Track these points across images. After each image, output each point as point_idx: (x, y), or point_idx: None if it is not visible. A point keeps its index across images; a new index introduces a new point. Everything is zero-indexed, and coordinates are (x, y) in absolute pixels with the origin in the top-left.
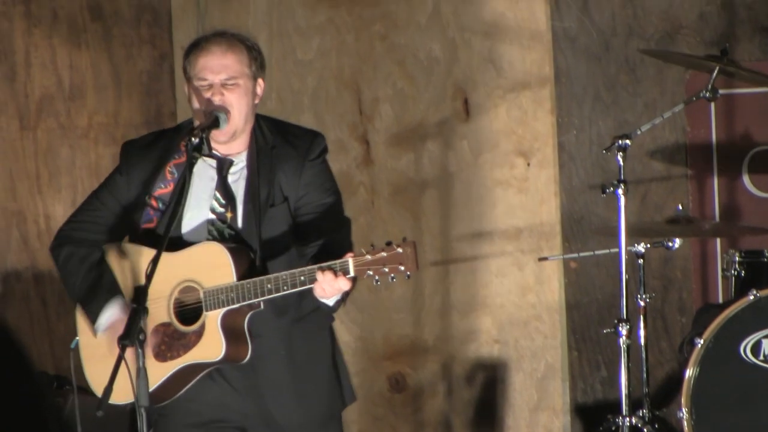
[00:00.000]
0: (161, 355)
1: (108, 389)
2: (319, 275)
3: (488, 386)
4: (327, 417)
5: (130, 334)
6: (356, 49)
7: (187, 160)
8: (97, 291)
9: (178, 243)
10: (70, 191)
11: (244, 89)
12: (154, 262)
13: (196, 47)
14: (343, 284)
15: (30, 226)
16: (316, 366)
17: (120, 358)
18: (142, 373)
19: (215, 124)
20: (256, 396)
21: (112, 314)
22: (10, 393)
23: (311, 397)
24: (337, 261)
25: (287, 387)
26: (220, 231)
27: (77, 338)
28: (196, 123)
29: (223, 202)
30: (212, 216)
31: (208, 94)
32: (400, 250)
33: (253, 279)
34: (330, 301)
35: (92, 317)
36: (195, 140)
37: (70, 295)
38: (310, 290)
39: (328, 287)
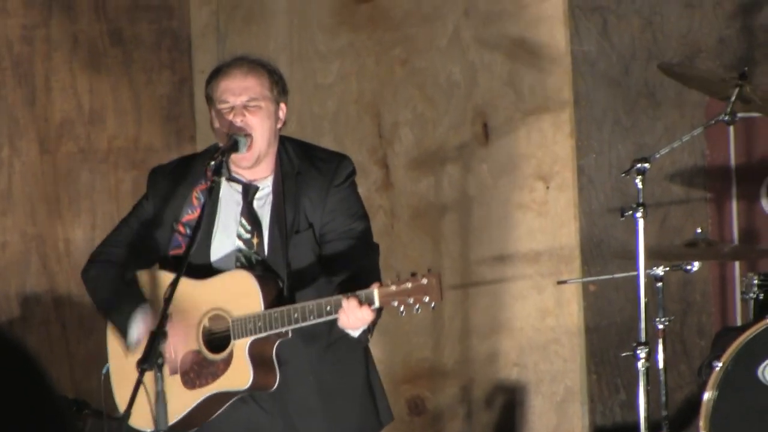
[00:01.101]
0: (190, 383)
1: (126, 413)
2: (344, 302)
3: (508, 409)
4: None
5: (149, 358)
6: (376, 72)
7: (208, 185)
8: (123, 304)
9: (208, 270)
10: (90, 215)
11: (266, 112)
12: (173, 285)
13: (218, 72)
14: (367, 314)
15: (49, 250)
16: (347, 387)
17: (139, 382)
18: (160, 397)
19: (234, 147)
20: (285, 418)
21: (140, 326)
22: (34, 418)
23: (342, 419)
24: (363, 291)
25: (316, 409)
26: (247, 257)
27: (108, 364)
28: (220, 146)
29: (249, 228)
30: (239, 242)
31: (229, 117)
32: (425, 281)
33: (280, 308)
34: (355, 333)
35: (122, 330)
36: (213, 163)
37: (102, 315)
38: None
39: (353, 317)
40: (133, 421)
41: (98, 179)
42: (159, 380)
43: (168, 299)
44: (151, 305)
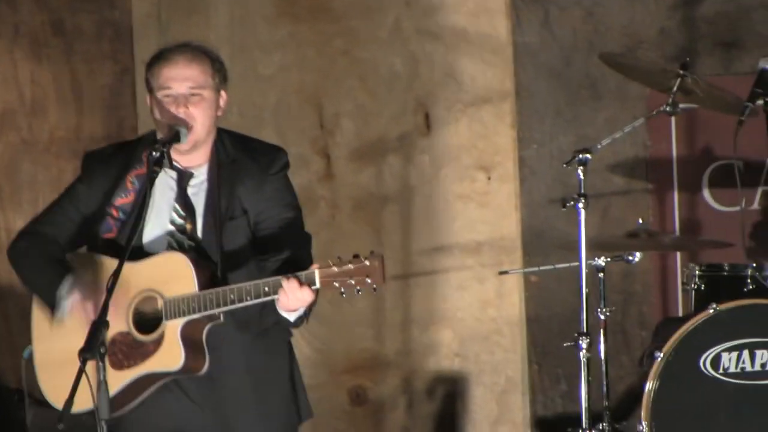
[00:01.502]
0: (118, 364)
1: (69, 402)
2: (285, 283)
3: (449, 400)
4: (286, 430)
5: (92, 347)
6: (317, 64)
7: (148, 174)
8: (52, 275)
9: (139, 253)
10: (32, 206)
11: (208, 102)
12: (115, 275)
13: (159, 58)
14: (307, 295)
15: None
16: (275, 381)
17: (81, 371)
18: (103, 386)
19: (176, 138)
20: (216, 409)
21: (71, 299)
22: None
23: (271, 412)
24: (303, 272)
25: (247, 401)
26: (179, 242)
27: (30, 346)
28: (159, 134)
29: (183, 213)
30: (171, 227)
31: (172, 107)
32: (367, 262)
33: (216, 289)
34: (292, 316)
35: (49, 301)
36: (156, 154)
37: (27, 286)
38: (272, 304)
39: (293, 297)
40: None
41: (40, 170)
42: (101, 369)
43: (110, 288)
44: (81, 287)
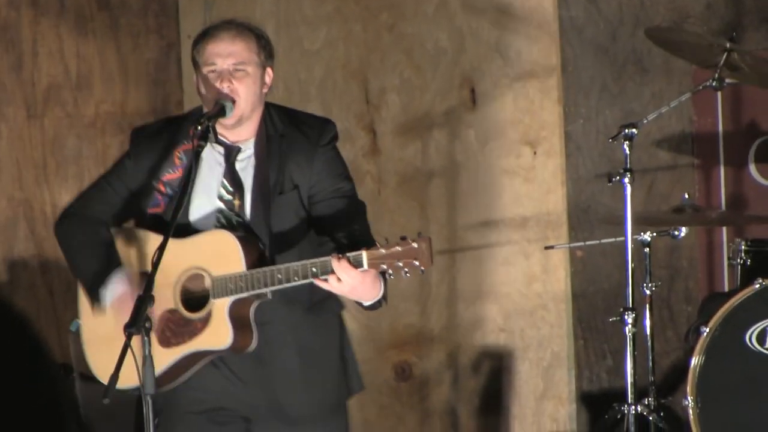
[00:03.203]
0: (166, 342)
1: (114, 377)
2: (335, 264)
3: (494, 375)
4: (334, 406)
5: (137, 322)
6: (363, 39)
7: (193, 149)
8: (100, 265)
9: (187, 230)
10: (77, 180)
11: (252, 77)
12: (161, 249)
13: (205, 35)
14: (355, 278)
15: (37, 215)
16: (324, 355)
17: (126, 346)
18: (148, 361)
19: (221, 113)
20: (264, 386)
21: (116, 288)
22: (29, 383)
23: (319, 386)
24: (351, 254)
25: (296, 376)
26: (228, 219)
27: (78, 320)
28: (206, 110)
29: (231, 189)
30: (220, 204)
31: (216, 82)
32: (415, 245)
33: (264, 268)
34: (367, 302)
35: (94, 292)
36: (201, 128)
37: (72, 270)
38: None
39: (344, 277)
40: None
41: (85, 144)
42: (146, 344)
43: (156, 263)
44: (127, 264)
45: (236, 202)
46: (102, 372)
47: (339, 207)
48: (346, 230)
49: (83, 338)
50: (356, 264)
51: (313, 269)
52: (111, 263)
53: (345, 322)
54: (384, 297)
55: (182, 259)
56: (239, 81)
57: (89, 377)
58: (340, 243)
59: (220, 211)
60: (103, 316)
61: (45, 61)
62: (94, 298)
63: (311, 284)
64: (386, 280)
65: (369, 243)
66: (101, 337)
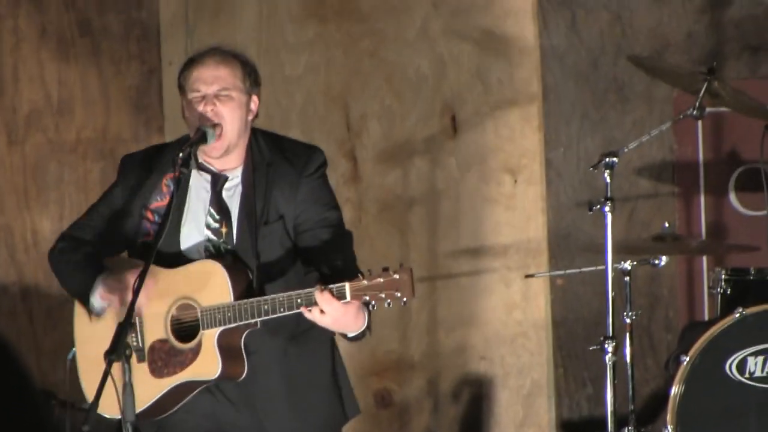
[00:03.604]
0: (158, 371)
1: (94, 404)
2: (318, 296)
3: (474, 403)
4: (326, 430)
5: (117, 349)
6: (345, 65)
7: (175, 177)
8: (91, 277)
9: (178, 259)
10: (58, 206)
11: (237, 102)
12: (141, 276)
13: (191, 61)
14: (337, 310)
15: (17, 241)
16: (313, 379)
17: (106, 373)
18: (128, 388)
19: (203, 139)
20: (252, 410)
21: (105, 286)
22: (10, 410)
23: (308, 411)
24: (334, 285)
25: (282, 401)
26: (216, 247)
27: (74, 349)
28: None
29: (218, 217)
30: (208, 232)
31: (200, 106)
32: (396, 276)
33: (251, 300)
34: (350, 334)
35: (87, 302)
36: (182, 155)
37: (69, 293)
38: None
39: (328, 309)
40: (102, 409)
41: (66, 170)
42: (126, 371)
43: (137, 289)
44: (118, 291)
45: (223, 230)
46: (102, 403)
47: (324, 237)
48: (330, 261)
49: (78, 367)
50: (339, 296)
51: (299, 300)
52: (98, 273)
53: (336, 346)
54: (368, 327)
55: (172, 289)
56: (223, 104)
57: (69, 403)
58: (324, 274)
59: (208, 239)
60: (95, 342)
61: (26, 87)
62: (88, 307)
63: (298, 313)
64: (370, 310)
65: (353, 274)
66: (95, 366)
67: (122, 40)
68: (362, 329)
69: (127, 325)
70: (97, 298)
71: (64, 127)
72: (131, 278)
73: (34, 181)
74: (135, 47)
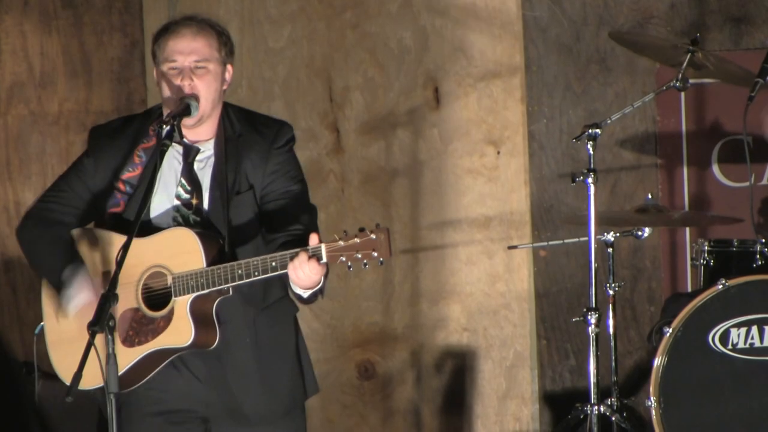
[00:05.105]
0: (129, 341)
1: (77, 375)
2: (296, 258)
3: (457, 374)
4: (291, 406)
5: (100, 321)
6: (327, 37)
7: (158, 148)
8: (62, 266)
9: (146, 228)
10: (41, 178)
11: (213, 74)
12: (125, 248)
13: (165, 31)
14: (315, 269)
15: (0, 213)
16: (280, 355)
17: (90, 345)
18: (111, 359)
19: (186, 111)
20: (221, 385)
21: (80, 291)
22: None
23: (276, 387)
24: (310, 246)
25: (253, 376)
26: (185, 217)
27: (42, 323)
28: (164, 108)
29: (189, 188)
30: (177, 202)
31: (177, 80)
32: (373, 236)
33: (224, 264)
34: (305, 293)
35: (58, 291)
36: (166, 128)
37: (36, 272)
38: (278, 280)
39: (301, 272)
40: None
41: (49, 142)
42: (110, 343)
43: (120, 262)
44: (90, 265)
45: (194, 201)
46: (65, 372)
47: (288, 208)
48: (293, 230)
49: (47, 340)
50: (316, 257)
51: (273, 263)
52: (72, 263)
53: (299, 324)
54: (321, 290)
55: (143, 258)
56: (200, 78)
57: (52, 376)
58: (286, 242)
59: (177, 209)
60: (66, 317)
61: (8, 59)
62: (61, 302)
63: (265, 285)
64: (327, 275)
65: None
66: (64, 338)
67: (105, 12)
68: (315, 290)
69: (111, 296)
70: (72, 306)
71: (47, 99)
72: (108, 259)
73: (17, 153)
74: (117, 19)
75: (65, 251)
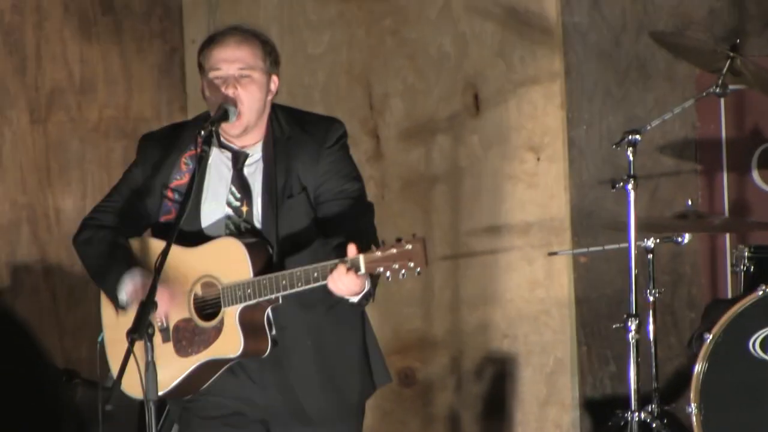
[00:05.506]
0: (182, 351)
1: (117, 383)
2: (334, 271)
3: (497, 381)
4: (354, 405)
5: (139, 328)
6: (367, 43)
7: (197, 154)
8: (118, 269)
9: (199, 237)
10: (80, 185)
11: (257, 84)
12: (163, 254)
13: (211, 41)
14: (353, 281)
15: (40, 219)
16: (344, 353)
17: (129, 352)
18: (150, 366)
19: (225, 116)
20: (282, 388)
21: (133, 283)
22: (25, 387)
23: (339, 386)
24: (348, 258)
25: (314, 378)
26: (236, 225)
27: (103, 333)
28: (211, 115)
29: (239, 195)
30: (229, 210)
31: (222, 87)
32: (409, 246)
33: (269, 275)
34: (354, 298)
35: (111, 293)
36: (204, 133)
37: (94, 281)
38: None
39: (340, 283)
40: (126, 388)
41: (89, 148)
42: (149, 350)
43: (159, 268)
44: (143, 272)
45: (244, 209)
46: (127, 383)
47: (343, 208)
48: (349, 231)
49: (107, 351)
50: (354, 268)
51: (315, 275)
52: (127, 265)
53: (367, 317)
54: (369, 294)
55: (194, 268)
56: (244, 87)
57: (92, 383)
58: (341, 243)
59: (228, 217)
60: (122, 325)
61: (49, 65)
62: (115, 302)
63: (325, 289)
64: (377, 282)
65: (369, 242)
66: (122, 347)
67: (144, 18)
68: (362, 295)
69: (149, 304)
70: (124, 295)
71: (87, 106)
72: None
73: (57, 160)
74: (157, 26)
75: (119, 255)
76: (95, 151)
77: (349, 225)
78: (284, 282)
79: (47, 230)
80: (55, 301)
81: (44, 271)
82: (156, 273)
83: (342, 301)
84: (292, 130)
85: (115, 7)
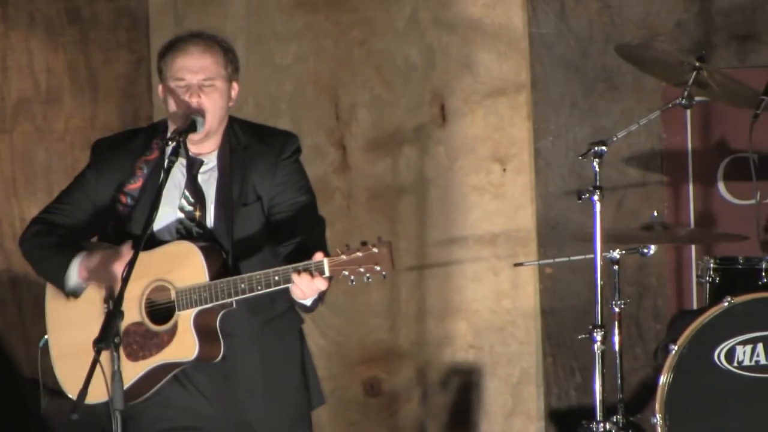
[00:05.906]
0: (133, 355)
1: (83, 392)
2: (295, 277)
3: (463, 391)
4: (298, 418)
5: (106, 337)
6: (334, 54)
7: (165, 164)
8: (63, 252)
9: (148, 241)
10: (46, 195)
11: (220, 92)
12: (130, 265)
13: (172, 48)
14: (320, 284)
15: (5, 230)
16: (286, 368)
17: (95, 362)
18: (117, 376)
19: (192, 128)
20: (227, 400)
21: (86, 263)
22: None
23: (282, 399)
24: (313, 261)
25: (259, 389)
26: (188, 229)
27: (46, 336)
28: (170, 123)
29: (192, 200)
30: (181, 214)
31: (185, 96)
32: (375, 250)
33: (227, 279)
34: (308, 302)
35: (60, 283)
36: (172, 143)
37: (42, 276)
38: (283, 290)
39: (306, 288)
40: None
41: (55, 159)
42: (115, 359)
43: (126, 278)
44: (96, 269)
45: (197, 213)
46: (71, 387)
47: (296, 219)
48: (301, 241)
49: (51, 354)
50: (319, 271)
51: (276, 278)
52: (77, 251)
53: (305, 336)
54: (321, 297)
55: (146, 272)
56: (207, 96)
57: (57, 392)
58: (295, 251)
59: (180, 221)
60: (69, 329)
61: (15, 76)
62: (63, 288)
63: (272, 297)
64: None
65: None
66: (69, 351)
67: (111, 28)
68: (315, 297)
69: (117, 313)
70: (74, 277)
71: (53, 116)
72: (108, 257)
73: (23, 170)
74: (124, 36)
75: (68, 251)
76: (61, 162)
77: (301, 235)
78: (243, 285)
79: (13, 241)
80: (21, 312)
81: (10, 282)
82: (123, 282)
83: (284, 313)
84: (248, 140)
85: (81, 17)
